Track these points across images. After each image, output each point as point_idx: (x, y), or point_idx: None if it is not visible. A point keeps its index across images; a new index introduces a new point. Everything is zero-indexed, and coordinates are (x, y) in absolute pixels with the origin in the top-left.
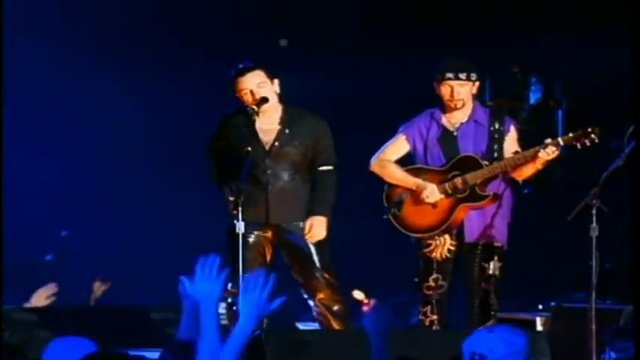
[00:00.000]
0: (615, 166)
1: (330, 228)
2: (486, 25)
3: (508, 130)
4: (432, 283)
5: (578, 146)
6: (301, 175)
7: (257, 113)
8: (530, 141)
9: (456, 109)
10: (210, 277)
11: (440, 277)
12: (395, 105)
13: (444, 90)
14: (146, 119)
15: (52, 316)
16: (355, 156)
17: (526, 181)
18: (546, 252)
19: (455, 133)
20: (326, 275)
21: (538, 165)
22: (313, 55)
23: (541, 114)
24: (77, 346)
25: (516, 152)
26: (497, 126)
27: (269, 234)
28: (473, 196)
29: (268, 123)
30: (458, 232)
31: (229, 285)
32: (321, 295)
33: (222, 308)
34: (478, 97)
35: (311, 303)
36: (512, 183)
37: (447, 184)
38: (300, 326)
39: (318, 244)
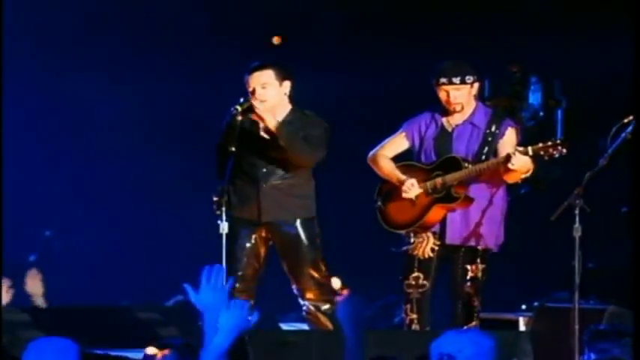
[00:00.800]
0: (599, 167)
1: (321, 228)
2: (485, 24)
3: (503, 134)
4: (412, 281)
5: (546, 157)
6: (295, 174)
7: (240, 113)
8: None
9: (455, 112)
10: (216, 287)
11: (421, 275)
12: (394, 105)
13: (441, 94)
14: (131, 119)
15: (34, 317)
16: (350, 156)
17: (523, 181)
18: (529, 252)
19: (452, 134)
20: (316, 274)
21: (510, 180)
22: (307, 55)
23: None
24: (58, 347)
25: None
26: (493, 129)
27: (263, 232)
28: (447, 197)
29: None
30: (441, 233)
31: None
32: (310, 294)
33: None
34: (480, 98)
35: (301, 301)
36: (504, 187)
37: (428, 183)
38: (284, 326)
39: (311, 243)
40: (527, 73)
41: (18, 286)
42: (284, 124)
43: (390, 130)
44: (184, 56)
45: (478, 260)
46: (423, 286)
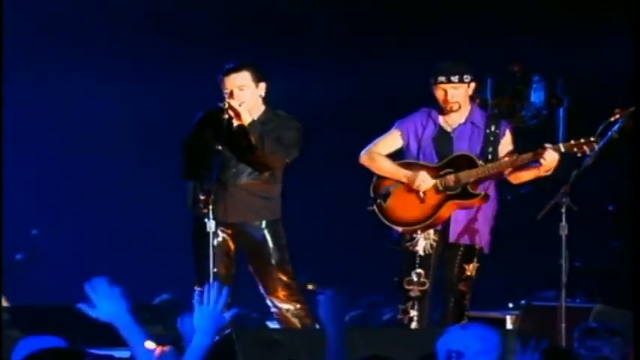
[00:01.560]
0: (585, 165)
1: (285, 230)
2: (487, 23)
3: (504, 134)
4: (414, 278)
5: (579, 154)
6: (264, 175)
7: (228, 113)
8: (529, 140)
9: (452, 111)
10: (107, 296)
11: (422, 272)
12: (383, 105)
13: (438, 93)
14: (117, 118)
15: (23, 315)
16: (337, 156)
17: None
18: (516, 251)
19: (452, 134)
20: (283, 276)
21: (541, 172)
22: (296, 56)
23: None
24: (47, 346)
25: (512, 153)
26: (493, 129)
27: (230, 231)
28: (464, 194)
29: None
30: (442, 230)
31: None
32: (278, 295)
33: None
34: (478, 97)
35: (269, 302)
36: (497, 187)
37: (438, 180)
38: (271, 325)
39: (277, 245)
40: (529, 72)
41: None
42: (258, 123)
43: (380, 130)
44: (173, 58)
45: (475, 260)
46: (424, 284)
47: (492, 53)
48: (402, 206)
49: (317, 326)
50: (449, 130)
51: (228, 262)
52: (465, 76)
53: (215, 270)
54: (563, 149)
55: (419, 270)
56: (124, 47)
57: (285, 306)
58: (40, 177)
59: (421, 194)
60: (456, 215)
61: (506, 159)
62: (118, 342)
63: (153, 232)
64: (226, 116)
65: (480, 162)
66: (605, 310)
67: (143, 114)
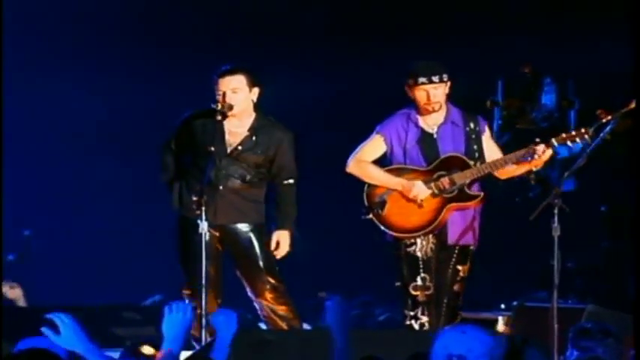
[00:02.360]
0: (577, 166)
1: (293, 241)
2: (498, 24)
3: (484, 130)
4: (419, 283)
5: (571, 145)
6: (254, 180)
7: (220, 114)
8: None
9: (433, 111)
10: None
11: (427, 277)
12: (371, 105)
13: (419, 94)
14: (109, 119)
15: (20, 316)
16: (327, 157)
17: (536, 184)
18: (508, 251)
19: (434, 136)
20: (270, 279)
21: (533, 166)
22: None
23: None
24: (47, 347)
25: (500, 151)
26: (472, 126)
27: (218, 234)
28: (462, 196)
29: (238, 127)
30: (440, 234)
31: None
32: (265, 297)
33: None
34: (490, 99)
35: (256, 305)
36: (480, 183)
37: (432, 184)
38: (264, 326)
39: (264, 248)
40: (540, 74)
41: None
42: (252, 130)
43: (364, 131)
44: (165, 59)
45: (468, 261)
46: (429, 288)
47: (502, 54)
48: (400, 213)
49: (306, 327)
50: (431, 131)
51: (217, 264)
52: (444, 76)
53: (203, 273)
54: (555, 143)
55: (424, 274)
56: (116, 48)
57: (272, 308)
58: (32, 177)
59: (419, 201)
60: (453, 217)
61: (501, 157)
62: (112, 342)
63: (145, 232)
64: (219, 117)
65: (471, 162)
66: (598, 310)
67: (135, 115)
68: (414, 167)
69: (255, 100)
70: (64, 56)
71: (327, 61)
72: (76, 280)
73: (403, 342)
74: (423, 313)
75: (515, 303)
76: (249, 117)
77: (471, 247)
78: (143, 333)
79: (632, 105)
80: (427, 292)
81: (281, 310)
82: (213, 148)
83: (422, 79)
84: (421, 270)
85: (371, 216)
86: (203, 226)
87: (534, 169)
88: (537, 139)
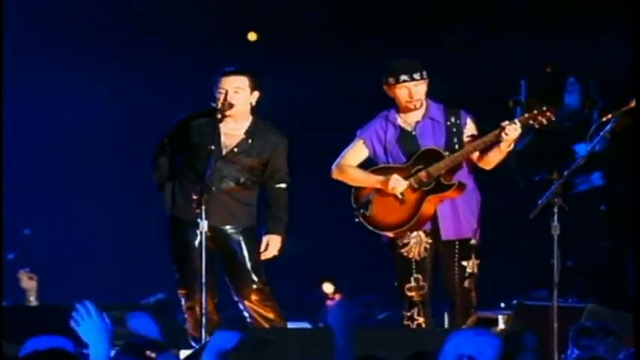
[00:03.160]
0: (577, 165)
1: (284, 244)
2: (523, 25)
3: (465, 124)
4: (413, 284)
5: (536, 125)
6: (247, 183)
7: (221, 112)
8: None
9: (415, 109)
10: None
11: (420, 277)
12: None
13: (401, 92)
14: (109, 119)
15: (20, 315)
16: (324, 157)
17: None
18: (508, 250)
19: (413, 132)
20: (256, 281)
21: (503, 148)
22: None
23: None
24: (54, 345)
25: (474, 138)
26: (453, 120)
27: (209, 234)
28: (438, 187)
29: (234, 129)
30: (433, 230)
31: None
32: (250, 299)
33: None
34: (513, 99)
35: (241, 306)
36: (476, 179)
37: (412, 179)
38: None
39: (252, 250)
40: (563, 74)
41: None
42: (248, 134)
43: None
44: (165, 60)
45: (473, 255)
46: (423, 288)
47: (526, 54)
48: (384, 211)
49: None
50: (409, 129)
51: (212, 264)
52: (424, 73)
53: (197, 274)
54: (519, 123)
55: (416, 275)
56: (116, 48)
57: (257, 310)
58: (32, 176)
59: (399, 196)
60: (442, 212)
61: (470, 144)
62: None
63: (145, 232)
64: (219, 116)
65: (446, 153)
66: (598, 309)
67: (135, 115)
68: (396, 165)
69: (254, 103)
70: (63, 56)
71: (326, 61)
72: (76, 280)
73: (403, 341)
74: (419, 314)
75: (515, 302)
76: (246, 120)
77: (472, 242)
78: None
79: (632, 104)
80: (421, 292)
81: (266, 312)
82: (213, 147)
83: (404, 77)
84: (414, 270)
85: (359, 218)
86: (203, 224)
87: (505, 150)
88: (504, 122)
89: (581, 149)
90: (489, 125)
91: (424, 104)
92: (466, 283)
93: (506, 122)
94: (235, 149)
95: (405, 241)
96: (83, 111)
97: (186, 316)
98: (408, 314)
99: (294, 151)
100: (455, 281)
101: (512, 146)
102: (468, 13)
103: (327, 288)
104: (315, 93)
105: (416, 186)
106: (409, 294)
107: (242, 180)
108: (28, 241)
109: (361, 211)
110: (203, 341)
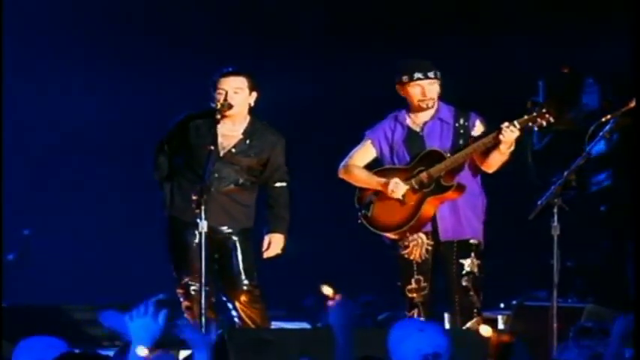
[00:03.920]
0: (576, 165)
1: (286, 244)
2: (541, 25)
3: (474, 126)
4: (414, 285)
5: (535, 127)
6: (246, 184)
7: (220, 113)
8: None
9: (427, 108)
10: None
11: (422, 278)
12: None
13: (414, 91)
14: (109, 119)
15: (20, 315)
16: (323, 157)
17: (567, 186)
18: (508, 250)
19: (421, 133)
20: (247, 283)
21: (502, 150)
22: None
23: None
24: (47, 346)
25: (474, 140)
26: (462, 122)
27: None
28: (438, 188)
29: (232, 130)
30: (433, 231)
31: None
32: (240, 299)
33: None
34: (530, 100)
35: (229, 305)
36: (481, 180)
37: (413, 180)
38: None
39: (246, 251)
40: (581, 75)
41: None
42: (246, 134)
43: (355, 131)
44: (164, 61)
45: (472, 255)
46: (424, 288)
47: (545, 55)
48: (385, 213)
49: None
50: (417, 129)
51: (210, 264)
52: (437, 73)
53: (197, 274)
54: (518, 125)
55: (417, 276)
56: (116, 48)
57: (245, 311)
58: (31, 177)
59: (400, 197)
60: (442, 212)
61: (469, 146)
62: (109, 342)
63: (146, 232)
64: (218, 116)
65: (448, 155)
66: (597, 309)
67: (135, 115)
68: (398, 166)
69: (252, 104)
70: (63, 56)
71: (326, 61)
72: (75, 280)
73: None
74: (419, 315)
75: (514, 302)
76: (244, 120)
77: (471, 241)
78: None
79: (632, 104)
80: (422, 293)
81: (253, 314)
82: (212, 147)
83: (418, 75)
84: (415, 272)
85: (361, 219)
86: (203, 225)
87: (505, 152)
88: (504, 124)
89: (595, 149)
90: (492, 127)
91: (435, 105)
92: (464, 282)
93: (506, 124)
94: (233, 150)
95: (406, 243)
96: (83, 111)
97: (185, 315)
98: (409, 314)
99: (292, 152)
100: (453, 280)
101: (512, 148)
102: (468, 13)
103: (327, 290)
104: (315, 93)
105: (417, 187)
106: (410, 295)
107: (241, 181)
108: (28, 241)
109: (363, 211)
110: None
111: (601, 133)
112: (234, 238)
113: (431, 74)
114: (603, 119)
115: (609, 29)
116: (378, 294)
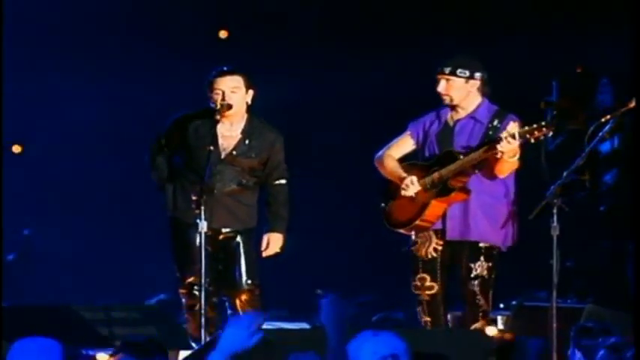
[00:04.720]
0: (576, 165)
1: (285, 242)
2: (556, 26)
3: (504, 128)
4: (418, 282)
5: (532, 140)
6: (249, 184)
7: (219, 113)
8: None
9: (448, 104)
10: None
11: (427, 277)
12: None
13: (438, 84)
14: (108, 120)
15: (20, 315)
16: (328, 157)
17: (579, 186)
18: (508, 250)
19: (453, 129)
20: (249, 282)
21: (505, 158)
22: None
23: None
24: (42, 347)
25: (474, 149)
26: (495, 123)
27: (209, 233)
28: (443, 189)
29: (231, 130)
30: (442, 230)
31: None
32: (240, 299)
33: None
34: (544, 100)
35: (227, 302)
36: (509, 182)
37: (426, 179)
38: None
39: (249, 251)
40: (595, 75)
41: None
42: (245, 134)
43: (357, 131)
44: (163, 60)
45: (482, 258)
46: (431, 288)
47: (557, 55)
48: (399, 209)
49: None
50: (451, 124)
51: (211, 264)
52: (459, 70)
53: (202, 275)
54: (517, 137)
55: (422, 274)
56: (116, 48)
57: (244, 309)
58: (31, 177)
59: (413, 195)
60: (452, 212)
61: (476, 152)
62: (109, 342)
63: (146, 232)
64: (217, 117)
65: (461, 156)
66: (597, 310)
67: (136, 115)
68: (420, 163)
69: (249, 102)
70: (63, 56)
71: (326, 61)
72: (76, 280)
73: None
74: (424, 313)
75: (514, 302)
76: (242, 119)
77: (481, 244)
78: (143, 332)
79: (632, 104)
80: (429, 292)
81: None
82: (212, 148)
83: (438, 69)
84: (420, 270)
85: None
86: (202, 225)
87: (508, 160)
88: (502, 134)
89: (605, 149)
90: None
91: (472, 102)
92: (472, 286)
93: (504, 134)
94: (234, 152)
95: (415, 239)
96: (83, 111)
97: (186, 315)
98: (417, 310)
99: (292, 151)
100: (462, 282)
101: (517, 155)
102: (468, 12)
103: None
104: (314, 94)
105: (428, 187)
106: (415, 292)
107: (244, 181)
108: (28, 242)
109: (382, 205)
110: (202, 341)
111: (601, 134)
112: (238, 237)
113: (446, 69)
114: (603, 119)
115: (609, 29)
116: (378, 294)
